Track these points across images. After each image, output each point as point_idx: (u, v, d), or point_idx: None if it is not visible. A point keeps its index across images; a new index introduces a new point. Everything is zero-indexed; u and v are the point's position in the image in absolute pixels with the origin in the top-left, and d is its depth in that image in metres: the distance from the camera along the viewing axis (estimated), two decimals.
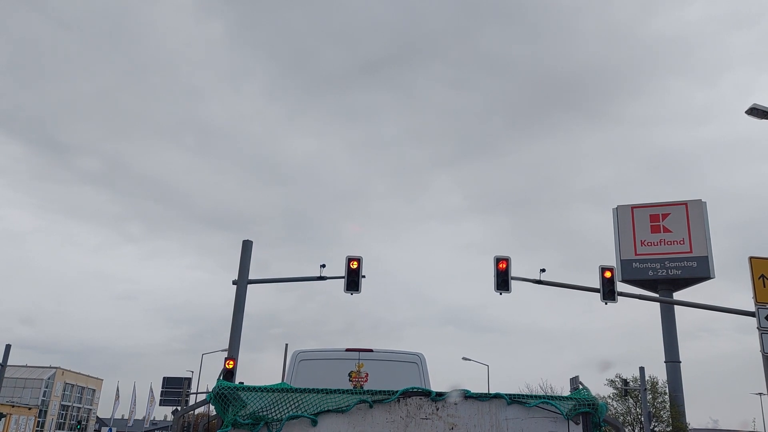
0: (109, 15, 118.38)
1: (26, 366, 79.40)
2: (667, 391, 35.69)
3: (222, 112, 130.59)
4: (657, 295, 34.68)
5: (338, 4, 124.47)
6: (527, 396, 5.14)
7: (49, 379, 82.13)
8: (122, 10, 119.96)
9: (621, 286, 27.72)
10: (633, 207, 38.72)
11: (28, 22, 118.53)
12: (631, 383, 34.83)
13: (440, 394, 4.99)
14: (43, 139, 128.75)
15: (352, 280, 21.78)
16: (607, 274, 22.13)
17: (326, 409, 4.89)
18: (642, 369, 32.14)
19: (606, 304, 22.03)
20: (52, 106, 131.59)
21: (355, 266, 21.83)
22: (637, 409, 34.47)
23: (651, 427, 31.44)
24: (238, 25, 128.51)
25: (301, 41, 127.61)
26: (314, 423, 4.83)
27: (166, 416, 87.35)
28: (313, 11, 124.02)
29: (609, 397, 36.25)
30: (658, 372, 36.99)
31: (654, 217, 37.95)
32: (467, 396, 4.99)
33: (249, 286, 22.14)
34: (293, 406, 4.90)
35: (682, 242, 36.88)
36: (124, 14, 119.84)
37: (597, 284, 22.13)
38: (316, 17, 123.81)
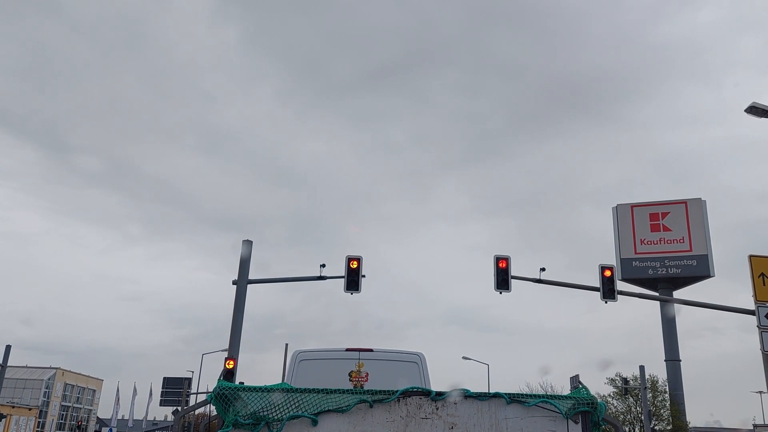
0: (123, 20, 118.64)
1: (26, 366, 79.38)
2: (668, 389, 35.73)
3: (233, 116, 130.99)
4: (657, 294, 34.70)
5: (349, 10, 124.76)
6: (526, 395, 5.15)
7: (49, 379, 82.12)
8: (136, 16, 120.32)
9: (621, 285, 27.75)
10: (633, 206, 38.73)
11: (43, 28, 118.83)
12: (632, 382, 34.89)
13: (440, 394, 5.01)
14: (55, 142, 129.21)
15: (352, 280, 21.79)
16: (607, 273, 22.15)
17: (326, 408, 4.90)
18: (642, 368, 32.19)
19: (606, 302, 22.07)
20: (65, 110, 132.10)
21: (355, 266, 21.85)
22: (638, 408, 34.52)
23: (651, 426, 31.47)
24: (251, 30, 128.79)
25: (313, 46, 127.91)
26: (315, 423, 4.84)
27: (166, 416, 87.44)
28: (325, 17, 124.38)
29: (609, 395, 36.32)
30: (659, 371, 37.09)
31: (654, 215, 37.96)
32: (467, 395, 5.00)
33: (252, 286, 22.19)
34: (294, 406, 4.91)
35: (681, 241, 36.89)
36: (138, 20, 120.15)
37: (598, 284, 22.14)
38: (327, 23, 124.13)
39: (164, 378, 39.79)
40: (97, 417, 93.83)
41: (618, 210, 38.81)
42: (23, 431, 71.09)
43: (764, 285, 17.74)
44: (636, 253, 37.37)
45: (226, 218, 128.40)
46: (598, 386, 37.12)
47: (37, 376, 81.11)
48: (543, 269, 22.76)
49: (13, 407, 67.70)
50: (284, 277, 24.82)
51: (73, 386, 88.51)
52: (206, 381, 79.34)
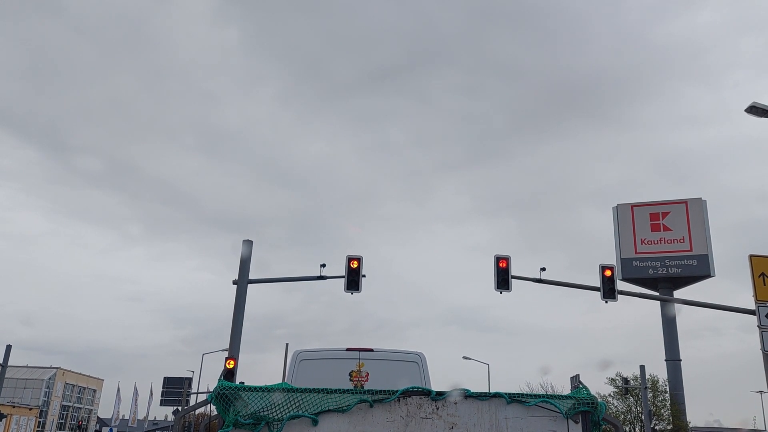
0: (124, 21, 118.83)
1: (27, 366, 79.39)
2: (668, 389, 35.71)
3: (234, 117, 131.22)
4: (657, 294, 34.69)
5: (350, 11, 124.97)
6: (527, 395, 5.16)
7: (49, 379, 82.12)
8: (138, 16, 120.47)
9: (621, 285, 27.75)
10: (633, 205, 38.71)
11: (44, 28, 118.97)
12: (632, 382, 34.89)
13: (440, 394, 5.01)
14: (56, 143, 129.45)
15: (353, 280, 21.79)
16: (608, 273, 22.16)
17: (327, 408, 4.91)
18: (642, 367, 32.19)
19: (606, 302, 22.07)
20: (66, 110, 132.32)
21: (355, 266, 21.86)
22: (638, 408, 34.51)
23: (652, 426, 31.46)
24: (252, 31, 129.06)
25: (314, 47, 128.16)
26: (315, 423, 4.85)
27: (166, 416, 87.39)
28: (326, 18, 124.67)
29: (609, 395, 36.30)
30: (659, 371, 37.08)
31: (654, 215, 37.94)
32: (467, 395, 5.01)
33: (252, 286, 22.20)
34: (294, 406, 4.91)
35: (682, 240, 36.87)
36: (139, 20, 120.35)
37: (599, 283, 22.14)
38: (328, 24, 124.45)
39: (165, 378, 39.82)
40: (98, 417, 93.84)
41: (618, 210, 38.79)
42: (24, 431, 71.11)
43: (764, 285, 17.74)
44: (636, 252, 37.36)
45: (226, 218, 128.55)
46: (599, 386, 37.13)
47: (38, 376, 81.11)
48: (543, 269, 22.77)
49: (14, 407, 67.70)
50: (284, 277, 24.85)
51: (73, 386, 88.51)
52: (206, 381, 79.45)
